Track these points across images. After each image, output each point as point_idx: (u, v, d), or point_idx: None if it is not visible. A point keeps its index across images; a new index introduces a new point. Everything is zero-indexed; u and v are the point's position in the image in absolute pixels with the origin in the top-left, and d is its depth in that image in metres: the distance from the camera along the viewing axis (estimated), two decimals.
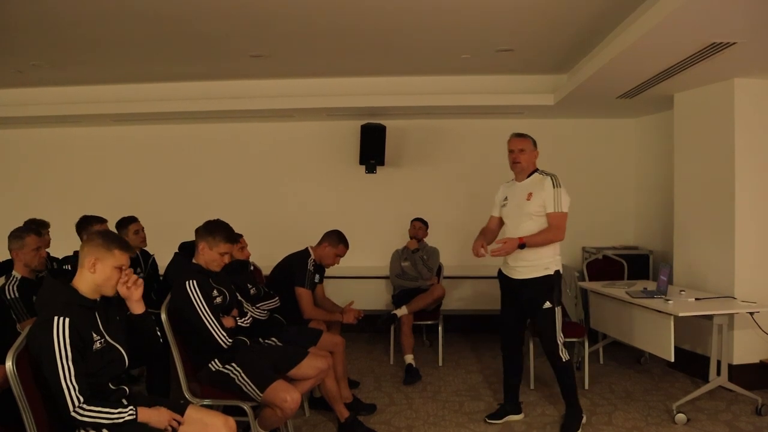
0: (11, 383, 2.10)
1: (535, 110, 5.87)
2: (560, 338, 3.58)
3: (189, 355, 3.12)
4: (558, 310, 3.57)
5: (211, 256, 3.18)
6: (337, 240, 4.36)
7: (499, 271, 3.80)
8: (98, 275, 2.31)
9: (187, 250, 4.03)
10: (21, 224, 3.69)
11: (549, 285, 3.55)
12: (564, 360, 3.59)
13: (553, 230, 3.50)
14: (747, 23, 3.13)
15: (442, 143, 6.45)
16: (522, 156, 3.62)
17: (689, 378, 4.58)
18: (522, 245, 3.47)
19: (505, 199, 3.74)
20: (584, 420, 3.68)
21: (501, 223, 3.83)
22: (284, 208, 6.46)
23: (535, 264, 3.55)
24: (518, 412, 3.87)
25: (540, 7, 3.74)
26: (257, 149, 6.51)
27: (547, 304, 3.55)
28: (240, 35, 4.30)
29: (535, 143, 3.68)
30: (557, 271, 3.58)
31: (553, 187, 3.52)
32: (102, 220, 4.25)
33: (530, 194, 3.57)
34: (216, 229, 3.19)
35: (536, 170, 3.66)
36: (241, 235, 4.10)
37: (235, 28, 4.11)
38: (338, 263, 4.45)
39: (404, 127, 6.37)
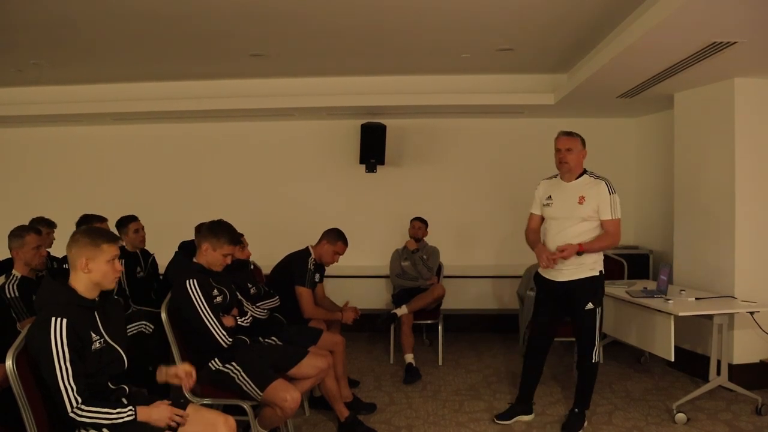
0: (11, 382, 2.10)
1: (536, 110, 5.86)
2: (598, 340, 3.57)
3: (189, 354, 3.12)
4: (599, 311, 3.55)
5: (215, 257, 3.18)
6: (335, 237, 4.36)
7: (537, 274, 3.77)
8: (94, 274, 2.29)
9: (186, 249, 4.04)
10: (21, 223, 3.68)
11: (594, 286, 3.54)
12: (593, 361, 3.58)
13: (611, 237, 3.48)
14: (747, 23, 3.12)
15: (442, 142, 6.44)
16: (569, 156, 3.52)
17: (689, 378, 4.58)
18: (581, 252, 3.45)
19: (549, 197, 3.64)
20: (586, 424, 3.69)
21: (542, 220, 3.75)
22: (284, 207, 6.45)
23: (580, 265, 3.51)
24: (529, 413, 3.85)
25: (540, 7, 3.73)
26: (257, 148, 6.50)
27: (590, 306, 3.52)
28: (240, 34, 4.30)
29: (583, 142, 3.58)
30: (601, 272, 3.57)
31: (609, 193, 3.47)
32: (102, 219, 4.25)
33: (582, 198, 3.49)
34: (220, 231, 3.20)
35: (585, 171, 3.59)
36: (242, 235, 4.11)
37: (235, 27, 4.11)
38: (337, 261, 4.45)
39: (404, 127, 6.36)
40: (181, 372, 2.52)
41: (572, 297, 3.57)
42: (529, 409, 3.86)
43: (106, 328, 2.35)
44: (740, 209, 4.34)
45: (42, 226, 4.06)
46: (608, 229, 3.49)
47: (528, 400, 3.86)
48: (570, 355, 5.11)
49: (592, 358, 3.57)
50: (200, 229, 3.35)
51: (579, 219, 3.50)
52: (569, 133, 3.58)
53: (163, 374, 2.54)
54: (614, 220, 3.48)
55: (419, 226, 5.42)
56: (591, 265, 3.53)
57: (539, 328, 3.78)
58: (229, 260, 3.25)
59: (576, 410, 3.66)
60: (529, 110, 5.94)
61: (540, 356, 3.81)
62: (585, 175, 3.58)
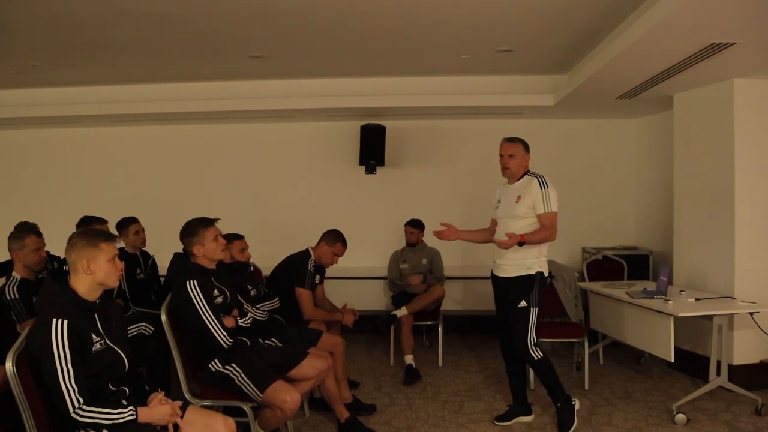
0: (11, 384, 2.10)
1: (535, 110, 5.87)
2: (531, 338, 3.59)
3: (189, 355, 3.12)
4: (533, 311, 3.59)
5: (208, 249, 3.18)
6: (334, 239, 4.36)
7: (491, 272, 3.83)
8: (97, 274, 2.30)
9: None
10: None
11: (528, 284, 3.59)
12: (537, 358, 3.60)
13: (546, 230, 3.55)
14: (747, 23, 3.13)
15: (442, 144, 6.45)
16: (511, 161, 3.66)
17: (689, 378, 4.58)
18: (522, 243, 3.50)
19: (498, 201, 3.80)
20: (577, 406, 3.68)
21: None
22: (284, 208, 6.46)
23: (518, 263, 3.60)
24: (528, 414, 3.85)
25: (540, 7, 3.73)
26: (258, 150, 6.51)
27: (523, 303, 3.57)
28: (240, 36, 4.30)
29: (526, 147, 3.70)
30: (539, 273, 3.61)
31: (541, 188, 3.56)
32: (102, 221, 4.24)
33: (519, 197, 3.62)
34: (192, 228, 3.20)
35: (527, 172, 3.70)
36: (242, 237, 4.10)
37: (234, 28, 4.11)
38: (336, 263, 4.45)
39: (404, 128, 6.36)
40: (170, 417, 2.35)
41: (509, 294, 3.64)
42: (528, 410, 3.86)
43: (107, 330, 2.35)
44: (740, 209, 4.34)
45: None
46: (543, 223, 3.57)
47: (523, 400, 3.86)
48: (569, 356, 5.12)
49: (533, 357, 3.59)
50: (182, 239, 3.35)
51: (518, 217, 3.60)
52: (511, 139, 3.70)
53: (155, 400, 2.40)
54: (548, 213, 3.55)
55: (411, 231, 5.40)
56: (529, 265, 3.59)
57: (501, 325, 3.82)
58: (221, 241, 3.24)
59: (558, 405, 3.65)
60: (528, 111, 5.94)
61: (513, 354, 3.81)
62: (525, 176, 3.69)
